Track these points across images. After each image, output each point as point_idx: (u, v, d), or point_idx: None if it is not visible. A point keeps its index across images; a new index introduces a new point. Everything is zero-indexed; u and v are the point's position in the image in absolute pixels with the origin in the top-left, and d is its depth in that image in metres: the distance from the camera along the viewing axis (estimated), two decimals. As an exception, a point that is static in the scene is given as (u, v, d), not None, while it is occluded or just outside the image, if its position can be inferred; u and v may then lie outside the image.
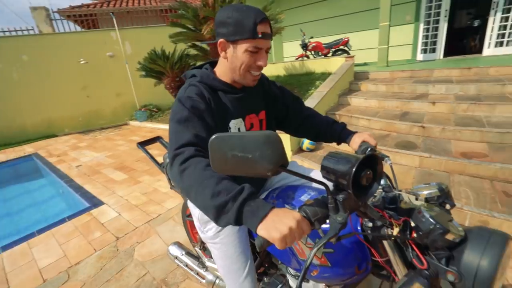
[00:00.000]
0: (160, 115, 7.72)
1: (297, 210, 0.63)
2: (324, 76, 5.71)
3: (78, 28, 8.65)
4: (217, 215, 0.67)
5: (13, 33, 6.89)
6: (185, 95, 0.88)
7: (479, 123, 3.00)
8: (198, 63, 6.14)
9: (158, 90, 7.16)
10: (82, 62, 7.11)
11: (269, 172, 0.56)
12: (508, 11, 5.46)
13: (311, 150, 3.49)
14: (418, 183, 2.43)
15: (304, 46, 7.47)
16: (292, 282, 1.08)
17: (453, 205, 0.71)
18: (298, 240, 0.61)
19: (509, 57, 5.16)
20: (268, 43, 0.87)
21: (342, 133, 1.12)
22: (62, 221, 2.82)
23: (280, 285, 1.11)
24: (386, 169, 0.84)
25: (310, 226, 0.61)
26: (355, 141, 1.03)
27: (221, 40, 0.87)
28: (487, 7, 5.97)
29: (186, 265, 1.69)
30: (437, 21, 6.30)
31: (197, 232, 1.86)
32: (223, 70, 0.95)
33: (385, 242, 0.71)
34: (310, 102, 4.07)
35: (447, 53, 6.51)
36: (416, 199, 0.70)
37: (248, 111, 1.01)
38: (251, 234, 1.12)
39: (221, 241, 1.03)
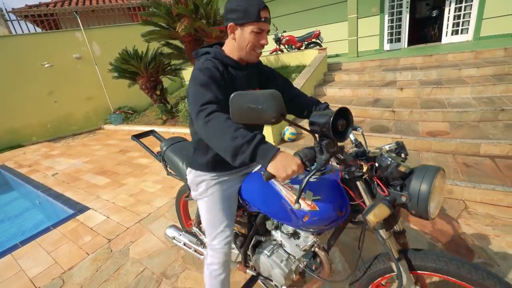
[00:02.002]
0: (136, 117, 7.50)
1: (294, 154, 0.84)
2: (299, 68, 5.89)
3: (38, 30, 8.07)
4: (235, 155, 0.85)
5: (-36, 37, 6.30)
6: (204, 66, 1.04)
7: (441, 105, 3.32)
8: (173, 62, 6.02)
9: (132, 91, 6.93)
10: (46, 66, 6.67)
11: (273, 119, 0.75)
12: (460, 1, 5.97)
13: (292, 140, 3.64)
14: (392, 162, 2.67)
15: (278, 40, 7.60)
16: (286, 242, 1.24)
17: (406, 154, 0.97)
18: (295, 175, 0.83)
19: (463, 44, 5.68)
20: (268, 26, 1.06)
21: (326, 110, 1.30)
22: (46, 230, 2.72)
23: (274, 247, 1.28)
24: (360, 136, 1.16)
25: (303, 166, 0.83)
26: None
27: (230, 24, 1.05)
28: (442, -3, 6.48)
29: (184, 244, 1.80)
30: (400, 12, 6.72)
31: (189, 218, 2.06)
32: (231, 50, 1.12)
33: (358, 184, 0.93)
34: (288, 94, 4.21)
35: (411, 42, 6.99)
36: (380, 152, 0.94)
37: (249, 86, 1.19)
38: (241, 197, 1.30)
39: (209, 196, 1.24)
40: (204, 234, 1.62)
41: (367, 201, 0.94)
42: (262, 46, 1.09)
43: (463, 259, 0.91)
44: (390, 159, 0.85)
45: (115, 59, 5.80)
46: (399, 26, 6.88)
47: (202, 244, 1.69)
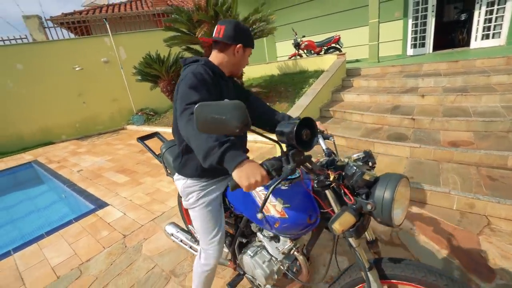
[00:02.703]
0: (157, 119, 7.79)
1: (260, 164, 0.85)
2: (317, 74, 5.85)
3: (72, 35, 8.68)
4: (206, 155, 0.88)
5: (7, 42, 6.91)
6: (197, 70, 1.11)
7: (466, 113, 3.15)
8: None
9: (154, 94, 7.23)
10: (77, 69, 7.14)
11: (237, 129, 0.75)
12: (492, 4, 5.65)
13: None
14: (409, 173, 2.57)
15: (297, 45, 7.60)
16: (268, 244, 1.30)
17: (374, 163, 1.00)
18: (259, 186, 0.83)
19: (494, 49, 5.35)
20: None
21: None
22: (69, 222, 2.90)
23: (257, 249, 1.34)
24: (331, 145, 1.21)
25: (269, 177, 0.84)
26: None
27: (240, 45, 1.21)
28: (472, 1, 6.17)
29: (181, 240, 1.91)
30: (425, 16, 6.48)
31: (189, 215, 2.10)
32: (224, 63, 1.25)
33: (327, 192, 0.96)
34: (304, 99, 4.20)
35: (436, 47, 6.70)
36: (348, 160, 0.97)
37: (234, 97, 1.29)
38: (228, 203, 1.37)
39: (200, 206, 1.29)
40: None
41: (336, 209, 0.96)
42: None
43: (437, 268, 0.91)
44: (356, 168, 0.87)
45: (139, 63, 6.08)
46: (424, 31, 6.62)
47: (197, 241, 1.79)
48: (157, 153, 2.03)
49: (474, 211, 2.10)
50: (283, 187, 1.10)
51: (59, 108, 7.23)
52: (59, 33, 7.56)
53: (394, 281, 0.96)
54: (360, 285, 1.04)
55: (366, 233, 1.02)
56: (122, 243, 2.41)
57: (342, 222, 0.84)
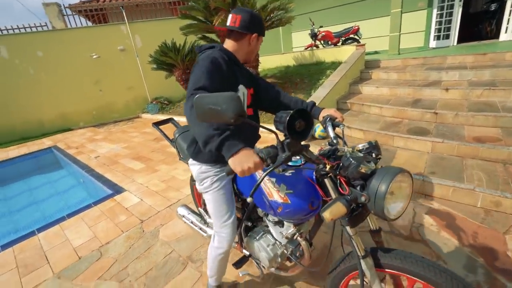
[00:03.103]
0: (171, 108, 7.86)
1: (258, 152, 0.90)
2: (334, 65, 5.70)
3: (89, 23, 8.80)
4: (206, 142, 0.94)
5: (28, 30, 7.07)
6: (212, 55, 1.13)
7: (493, 109, 2.99)
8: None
9: (169, 82, 7.27)
10: (94, 57, 7.25)
11: (232, 120, 0.79)
12: (526, -7, 5.28)
13: (323, 138, 3.55)
14: (430, 168, 2.49)
15: (314, 36, 7.41)
16: (272, 229, 1.35)
17: (378, 154, 0.99)
18: (254, 172, 0.88)
19: (526, 42, 5.03)
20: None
21: (312, 109, 1.38)
22: (88, 206, 2.99)
23: (263, 233, 1.40)
24: (341, 132, 1.19)
25: (262, 164, 0.88)
26: (321, 115, 1.32)
27: (255, 34, 1.24)
28: (504, -10, 5.78)
29: (192, 222, 1.98)
30: (452, 6, 6.15)
31: (201, 196, 2.18)
32: (238, 51, 1.26)
33: (326, 181, 0.98)
34: (321, 91, 4.11)
35: (462, 39, 6.37)
36: (353, 150, 0.97)
37: (247, 83, 1.30)
38: (236, 189, 1.43)
39: (213, 191, 1.32)
40: (208, 215, 1.83)
41: (334, 198, 0.98)
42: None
43: (431, 260, 0.91)
44: (352, 160, 0.89)
45: (155, 51, 6.10)
46: (449, 22, 6.30)
47: (206, 223, 1.87)
48: (170, 138, 2.10)
49: (500, 210, 2.02)
50: (287, 174, 1.14)
51: (77, 95, 7.40)
52: (77, 21, 7.66)
53: (388, 270, 0.99)
54: (356, 271, 1.06)
55: (370, 222, 1.06)
56: (140, 228, 2.47)
57: (333, 211, 0.87)
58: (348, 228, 0.98)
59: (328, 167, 0.94)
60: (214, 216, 1.36)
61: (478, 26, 7.32)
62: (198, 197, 2.23)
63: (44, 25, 7.23)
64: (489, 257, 1.66)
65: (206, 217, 1.90)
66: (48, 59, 6.95)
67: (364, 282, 1.00)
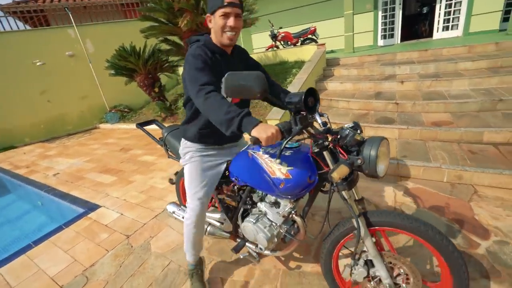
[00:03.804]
0: (133, 115, 7.37)
1: (275, 125, 1.05)
2: (297, 64, 5.95)
3: (27, 27, 7.77)
4: (227, 125, 1.06)
5: None
6: (196, 53, 1.23)
7: (442, 96, 3.45)
8: (171, 59, 5.98)
9: (128, 89, 6.82)
10: (38, 64, 6.45)
11: (258, 94, 0.97)
12: (451, -2, 6.18)
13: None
14: (400, 152, 2.77)
15: (274, 37, 7.64)
16: (269, 212, 1.47)
17: (361, 131, 1.18)
18: (275, 141, 1.01)
19: (455, 39, 5.89)
20: (235, 9, 1.21)
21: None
22: (58, 229, 2.67)
23: (258, 216, 1.52)
24: (326, 119, 1.32)
25: (281, 134, 1.04)
26: None
27: (207, 15, 1.28)
28: (433, -5, 6.68)
29: (182, 217, 2.03)
30: (393, 9, 6.89)
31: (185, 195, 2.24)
32: (213, 37, 1.31)
33: (325, 154, 1.16)
34: (291, 89, 4.27)
35: (403, 38, 7.18)
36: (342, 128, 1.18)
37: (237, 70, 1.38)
38: (231, 173, 1.55)
39: (191, 163, 1.52)
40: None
41: (332, 167, 1.15)
42: (231, 28, 1.24)
43: (410, 215, 1.13)
44: (349, 131, 1.11)
45: (112, 56, 5.67)
46: (392, 23, 7.06)
47: None
48: (158, 138, 2.19)
49: (462, 182, 2.35)
50: (286, 154, 1.30)
51: (20, 107, 6.49)
52: (12, 23, 6.72)
53: (378, 227, 1.18)
54: (350, 234, 1.24)
55: (354, 193, 1.22)
56: (127, 244, 2.29)
57: (339, 172, 1.03)
58: (344, 193, 1.16)
59: (330, 138, 1.15)
60: (188, 188, 1.53)
61: (414, 26, 8.33)
62: (183, 194, 2.26)
63: (-30, 29, 6.20)
64: (462, 222, 1.92)
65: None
66: (-22, 67, 5.98)
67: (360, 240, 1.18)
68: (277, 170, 1.28)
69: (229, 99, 1.35)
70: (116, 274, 1.97)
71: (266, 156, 1.34)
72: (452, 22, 6.38)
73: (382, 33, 7.27)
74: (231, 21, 1.21)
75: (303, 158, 1.26)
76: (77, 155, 5.18)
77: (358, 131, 1.15)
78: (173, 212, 2.14)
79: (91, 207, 2.98)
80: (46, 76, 6.65)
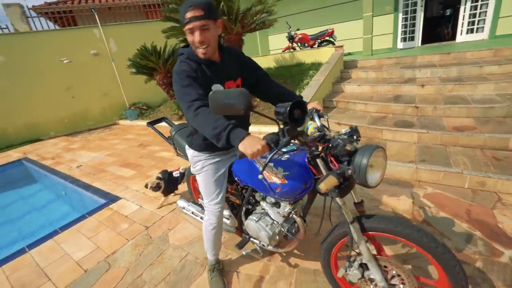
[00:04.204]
0: (151, 113, 7.60)
1: (262, 137, 1.06)
2: (314, 66, 5.94)
3: (53, 26, 8.21)
4: (217, 139, 1.10)
5: (-14, 32, 6.44)
6: (180, 69, 1.25)
7: (465, 101, 3.36)
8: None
9: (147, 87, 7.04)
10: (65, 62, 6.78)
11: (242, 111, 0.96)
12: (477, 0, 5.98)
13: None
14: (419, 156, 2.72)
15: (291, 38, 7.65)
16: (270, 210, 1.52)
17: (358, 137, 1.17)
18: (260, 155, 1.02)
19: (480, 43, 5.68)
20: (197, 23, 1.16)
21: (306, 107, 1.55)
22: (82, 217, 2.81)
23: (261, 215, 1.58)
24: (325, 121, 1.38)
25: (268, 147, 1.04)
26: (308, 107, 1.45)
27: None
28: (457, -3, 6.49)
29: (192, 212, 2.16)
30: (414, 11, 6.74)
31: (198, 192, 2.36)
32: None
33: (318, 161, 1.15)
34: (308, 90, 4.28)
35: (424, 40, 7.00)
36: (338, 134, 1.16)
37: (226, 78, 1.37)
38: (234, 174, 1.59)
39: (204, 173, 1.55)
40: None
41: (322, 177, 1.13)
42: (200, 43, 1.21)
43: (405, 220, 1.12)
44: (339, 140, 1.08)
45: (134, 55, 5.89)
46: (413, 25, 6.90)
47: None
48: (167, 136, 2.27)
49: (485, 189, 2.28)
50: (283, 158, 1.31)
51: (47, 103, 6.86)
52: (43, 23, 7.11)
53: (371, 232, 1.18)
54: (346, 237, 1.25)
55: (353, 195, 1.24)
56: (146, 235, 2.38)
57: (327, 183, 1.04)
58: (337, 199, 1.15)
59: (320, 148, 1.14)
60: (204, 194, 1.59)
61: (436, 29, 8.10)
62: (194, 190, 2.38)
63: (5, 28, 6.62)
64: (484, 229, 1.87)
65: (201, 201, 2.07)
66: (11, 64, 6.37)
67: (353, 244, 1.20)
68: (273, 175, 1.30)
69: None
70: (136, 262, 2.06)
71: (264, 160, 1.36)
72: (478, 24, 6.16)
73: (402, 36, 7.12)
74: (196, 36, 1.19)
75: (300, 163, 1.27)
76: (98, 149, 5.40)
77: (355, 137, 1.15)
78: (183, 208, 2.25)
79: (112, 199, 3.11)
80: (72, 73, 6.99)
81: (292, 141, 1.18)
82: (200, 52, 1.24)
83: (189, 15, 1.15)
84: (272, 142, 1.05)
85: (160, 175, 2.71)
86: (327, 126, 1.33)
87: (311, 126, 1.31)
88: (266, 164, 1.06)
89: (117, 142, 5.73)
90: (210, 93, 1.00)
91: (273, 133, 1.08)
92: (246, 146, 1.02)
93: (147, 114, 7.56)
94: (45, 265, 2.16)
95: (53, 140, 6.77)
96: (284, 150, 1.36)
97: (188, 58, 1.28)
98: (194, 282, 1.80)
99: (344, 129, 1.19)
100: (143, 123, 7.06)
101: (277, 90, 1.54)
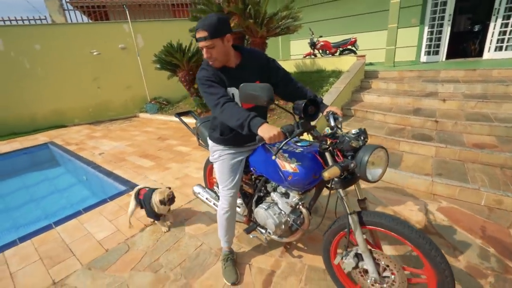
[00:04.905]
0: (170, 108, 7.83)
1: (280, 128, 1.22)
2: (335, 73, 5.96)
3: (87, 20, 8.65)
4: (241, 128, 1.31)
5: (26, 22, 6.88)
6: (201, 75, 1.46)
7: (487, 119, 3.31)
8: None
9: (169, 83, 7.28)
10: (95, 53, 7.14)
11: (265, 102, 1.16)
12: (508, 17, 5.84)
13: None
14: (436, 170, 2.72)
15: (313, 45, 7.70)
16: (280, 201, 1.66)
17: (365, 138, 1.28)
18: (277, 140, 1.20)
19: (508, 61, 5.53)
20: (202, 43, 1.37)
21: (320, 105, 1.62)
22: (104, 201, 2.98)
23: (270, 204, 1.71)
24: (339, 122, 1.48)
25: (283, 135, 1.21)
26: (326, 110, 1.55)
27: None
28: (486, 13, 6.35)
29: (206, 198, 2.35)
30: (441, 25, 6.64)
31: (212, 179, 2.64)
32: None
33: (326, 154, 1.30)
34: (328, 97, 4.32)
35: (449, 55, 6.88)
36: (347, 133, 1.30)
37: (242, 82, 1.44)
38: (250, 165, 1.76)
39: (220, 161, 1.74)
40: None
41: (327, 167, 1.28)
42: (209, 58, 1.42)
43: (400, 218, 1.24)
44: (346, 138, 1.25)
45: (160, 51, 6.12)
46: (439, 39, 6.79)
47: (219, 197, 2.09)
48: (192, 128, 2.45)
49: (502, 207, 2.26)
50: (297, 151, 1.45)
51: (74, 91, 7.23)
52: (78, 16, 7.52)
53: (369, 226, 1.30)
54: (345, 229, 1.36)
55: (357, 193, 1.38)
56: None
57: (330, 171, 1.19)
58: (340, 191, 1.30)
59: (328, 142, 1.29)
60: (220, 181, 1.76)
61: (463, 44, 7.93)
62: (209, 179, 2.63)
63: (44, 19, 7.05)
64: (498, 247, 1.87)
65: (217, 188, 2.21)
66: (45, 53, 6.77)
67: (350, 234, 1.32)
68: (287, 164, 1.45)
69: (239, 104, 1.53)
70: (153, 247, 2.18)
71: (280, 151, 1.51)
72: (507, 42, 6.00)
73: (426, 49, 7.02)
74: (204, 53, 1.41)
75: (311, 156, 1.40)
76: (119, 139, 5.64)
77: (362, 137, 1.27)
78: (199, 193, 2.44)
79: (132, 186, 3.26)
80: (99, 65, 7.34)
81: (306, 135, 1.35)
82: (214, 65, 1.46)
83: (197, 35, 1.37)
84: (287, 131, 1.22)
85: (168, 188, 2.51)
86: (339, 126, 1.45)
87: (327, 129, 1.44)
88: (281, 148, 1.22)
89: (137, 133, 5.96)
90: (241, 84, 1.24)
91: (289, 125, 1.25)
92: (264, 131, 1.21)
93: (167, 109, 7.81)
94: (70, 242, 2.32)
95: (77, 127, 7.11)
96: (298, 144, 1.52)
97: (207, 65, 1.48)
98: (208, 270, 1.89)
99: (354, 130, 1.29)
100: (162, 117, 7.30)
101: (300, 90, 1.66)
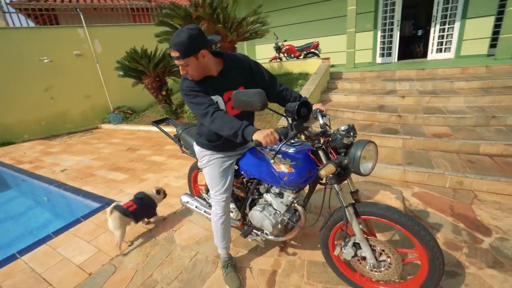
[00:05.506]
0: (136, 117, 7.42)
1: (273, 129, 1.26)
2: (302, 76, 6.23)
3: (32, 24, 7.80)
4: (234, 137, 1.32)
5: (-44, 27, 5.98)
6: (184, 86, 1.46)
7: (440, 111, 3.75)
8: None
9: (132, 91, 6.89)
10: (45, 61, 6.47)
11: (259, 108, 1.18)
12: (444, 23, 6.69)
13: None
14: (406, 160, 2.99)
15: (278, 49, 7.95)
16: (274, 202, 1.68)
17: (354, 133, 1.35)
18: (272, 143, 1.22)
19: (449, 61, 6.34)
20: (176, 62, 1.36)
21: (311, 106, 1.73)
22: (77, 221, 2.71)
23: (264, 205, 1.73)
24: (327, 120, 1.59)
25: (278, 137, 1.24)
26: (313, 108, 1.61)
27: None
28: (427, 19, 7.21)
29: (196, 207, 2.26)
30: (391, 30, 7.36)
31: (197, 186, 2.65)
32: None
33: (320, 153, 1.35)
34: (300, 98, 4.49)
35: (399, 57, 7.64)
36: (338, 130, 1.37)
37: (224, 89, 1.50)
38: (240, 168, 1.76)
39: (209, 166, 1.72)
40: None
41: (322, 165, 1.36)
42: (185, 75, 1.44)
43: (394, 207, 1.34)
44: (338, 135, 1.31)
45: (123, 58, 5.79)
46: (390, 42, 7.51)
47: (210, 206, 2.03)
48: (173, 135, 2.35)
49: (463, 187, 2.57)
50: (290, 151, 1.48)
51: (22, 103, 6.45)
52: (22, 20, 6.75)
53: (364, 216, 1.40)
54: (341, 221, 1.45)
55: (350, 185, 1.46)
56: (151, 236, 2.37)
57: (326, 169, 1.27)
58: (335, 186, 1.37)
59: (322, 141, 1.35)
60: (210, 186, 1.74)
61: (409, 47, 8.87)
62: (194, 186, 2.58)
63: (-21, 23, 6.21)
64: (466, 222, 2.12)
65: (209, 200, 2.10)
66: (-17, 61, 5.95)
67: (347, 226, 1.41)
68: (282, 165, 1.48)
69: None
70: (144, 263, 2.05)
71: (272, 152, 1.51)
72: (445, 45, 6.87)
73: (381, 51, 7.71)
74: (180, 71, 1.42)
75: (304, 155, 1.45)
76: (82, 152, 5.18)
77: (352, 133, 1.34)
78: (187, 202, 2.34)
79: (108, 202, 3.02)
80: (52, 73, 6.66)
81: (298, 136, 1.38)
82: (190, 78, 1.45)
83: (171, 53, 1.36)
84: (282, 134, 1.26)
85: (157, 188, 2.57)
86: (328, 124, 1.53)
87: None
88: (278, 151, 1.27)
89: (103, 146, 5.53)
90: (234, 92, 1.26)
91: (283, 127, 1.28)
92: (260, 136, 1.23)
93: (132, 119, 7.38)
94: (42, 271, 2.07)
95: (28, 144, 6.35)
96: (291, 144, 1.54)
97: (186, 79, 1.47)
98: (208, 279, 1.84)
99: (343, 126, 1.36)
100: (128, 127, 6.88)
101: (284, 92, 1.68)
